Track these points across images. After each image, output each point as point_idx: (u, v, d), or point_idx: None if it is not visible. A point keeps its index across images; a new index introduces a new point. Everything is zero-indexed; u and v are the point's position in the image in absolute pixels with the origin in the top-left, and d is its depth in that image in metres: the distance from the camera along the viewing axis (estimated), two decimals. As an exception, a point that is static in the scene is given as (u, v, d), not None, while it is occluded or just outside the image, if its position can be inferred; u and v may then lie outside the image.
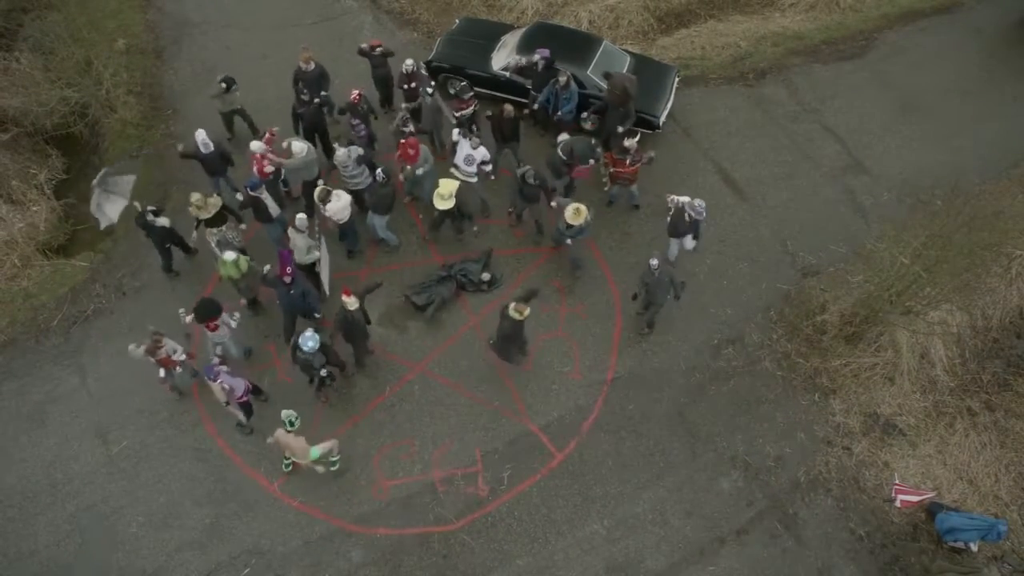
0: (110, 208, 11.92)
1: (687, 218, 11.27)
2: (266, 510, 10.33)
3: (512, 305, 10.26)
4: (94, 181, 11.93)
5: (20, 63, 14.51)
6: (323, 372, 10.35)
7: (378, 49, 13.21)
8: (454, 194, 11.64)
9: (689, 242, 11.75)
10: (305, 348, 9.93)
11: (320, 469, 10.19)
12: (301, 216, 11.15)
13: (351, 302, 10.28)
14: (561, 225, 11.59)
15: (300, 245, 11.16)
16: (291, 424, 9.59)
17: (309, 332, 9.99)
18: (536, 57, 12.92)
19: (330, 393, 11.06)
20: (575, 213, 11.22)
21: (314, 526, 10.21)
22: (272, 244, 12.08)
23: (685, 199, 12.73)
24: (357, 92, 12.33)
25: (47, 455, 10.80)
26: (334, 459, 10.40)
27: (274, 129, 12.21)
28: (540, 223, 12.49)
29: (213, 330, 10.52)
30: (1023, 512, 10.51)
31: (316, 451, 9.86)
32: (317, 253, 11.49)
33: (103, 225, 12.07)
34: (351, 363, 11.27)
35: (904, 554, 10.10)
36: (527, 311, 10.24)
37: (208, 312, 10.34)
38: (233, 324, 10.69)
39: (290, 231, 11.23)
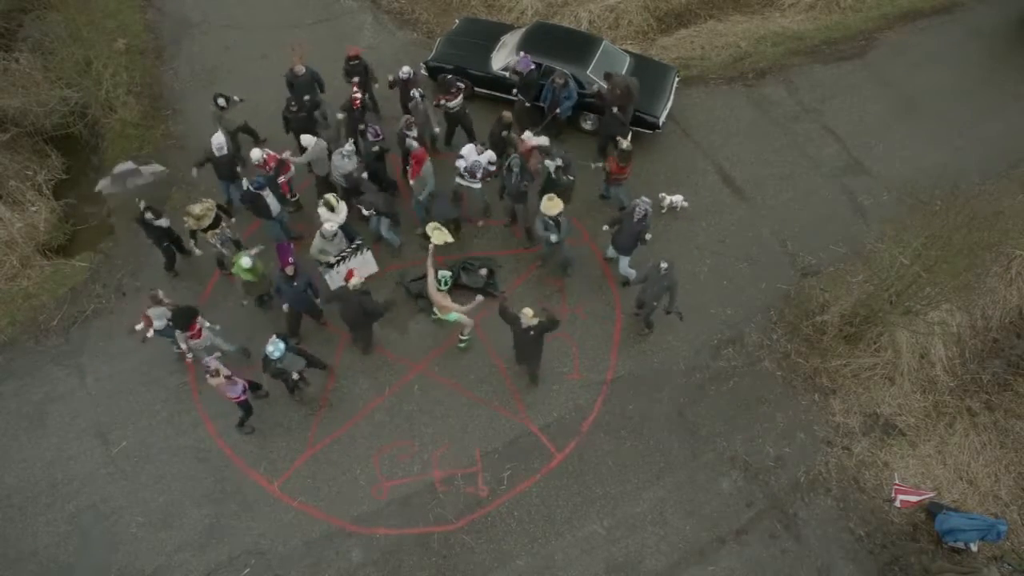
0: (131, 180, 11.86)
1: (635, 219, 11.12)
2: (266, 510, 10.33)
3: (527, 311, 10.15)
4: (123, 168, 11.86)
5: (20, 63, 14.51)
6: (295, 376, 10.34)
7: (356, 60, 13.26)
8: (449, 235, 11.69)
9: (624, 262, 11.74)
10: (273, 356, 9.86)
11: (461, 320, 11.02)
12: (328, 227, 11.12)
13: (357, 281, 10.47)
14: (539, 226, 11.45)
15: (316, 244, 11.27)
16: (444, 283, 10.70)
17: (272, 338, 9.94)
18: (520, 66, 12.96)
19: (305, 396, 11.04)
20: (549, 202, 11.12)
21: (314, 526, 10.21)
22: (271, 241, 12.11)
23: (678, 198, 12.81)
24: (357, 97, 12.38)
25: (47, 455, 10.80)
26: (464, 338, 11.38)
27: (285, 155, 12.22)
28: (530, 229, 12.48)
29: (198, 337, 10.55)
30: (1023, 512, 10.51)
31: (453, 316, 10.89)
32: (330, 259, 11.48)
33: (106, 191, 12.04)
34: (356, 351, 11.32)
35: (904, 554, 10.10)
36: (532, 313, 10.13)
37: (186, 318, 10.35)
38: (217, 327, 10.82)
39: (317, 234, 11.29)
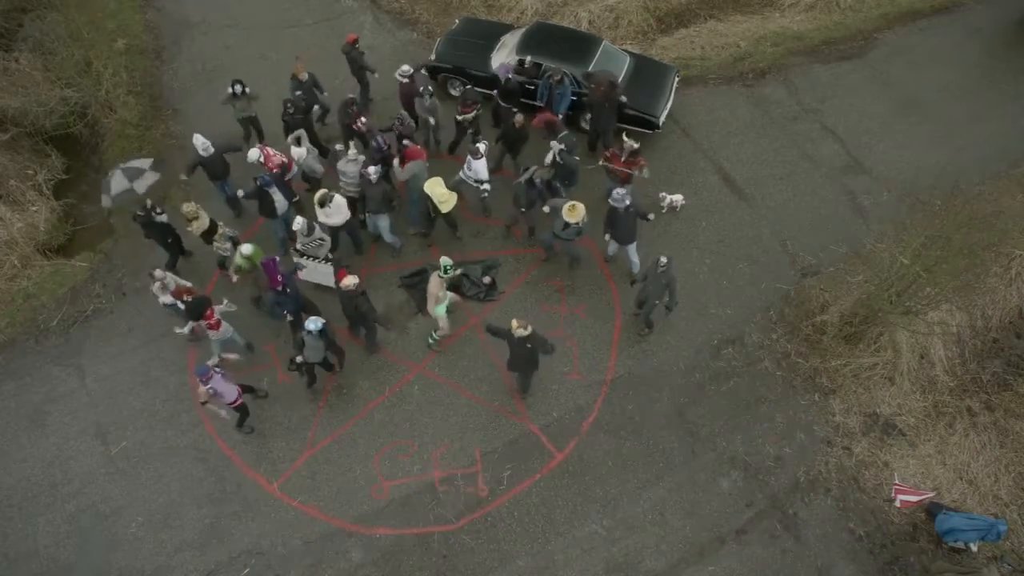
0: (139, 183, 12.18)
1: (621, 211, 11.21)
2: (266, 510, 10.34)
3: (513, 322, 10.03)
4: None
5: (20, 63, 14.53)
6: (298, 359, 10.42)
7: (357, 45, 13.38)
8: (449, 194, 11.66)
9: (632, 250, 11.80)
10: (307, 327, 10.04)
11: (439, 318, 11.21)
12: (299, 220, 11.23)
13: (349, 282, 10.45)
14: (557, 227, 11.56)
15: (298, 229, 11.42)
16: (445, 271, 10.62)
17: (316, 319, 10.17)
18: (500, 73, 13.09)
19: (312, 390, 11.14)
20: (571, 210, 11.19)
21: (314, 526, 10.21)
22: (275, 242, 12.18)
23: (678, 197, 12.82)
24: (362, 120, 12.41)
25: (47, 455, 10.80)
26: (435, 335, 11.44)
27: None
28: (532, 227, 12.50)
29: (216, 327, 10.54)
30: (1023, 512, 10.51)
31: (440, 309, 11.05)
32: (298, 245, 11.60)
33: (110, 203, 12.13)
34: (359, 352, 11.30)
35: (904, 554, 10.10)
36: (529, 327, 10.00)
37: (199, 308, 10.39)
38: (233, 308, 10.87)
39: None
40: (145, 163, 13.23)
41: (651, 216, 11.61)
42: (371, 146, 12.25)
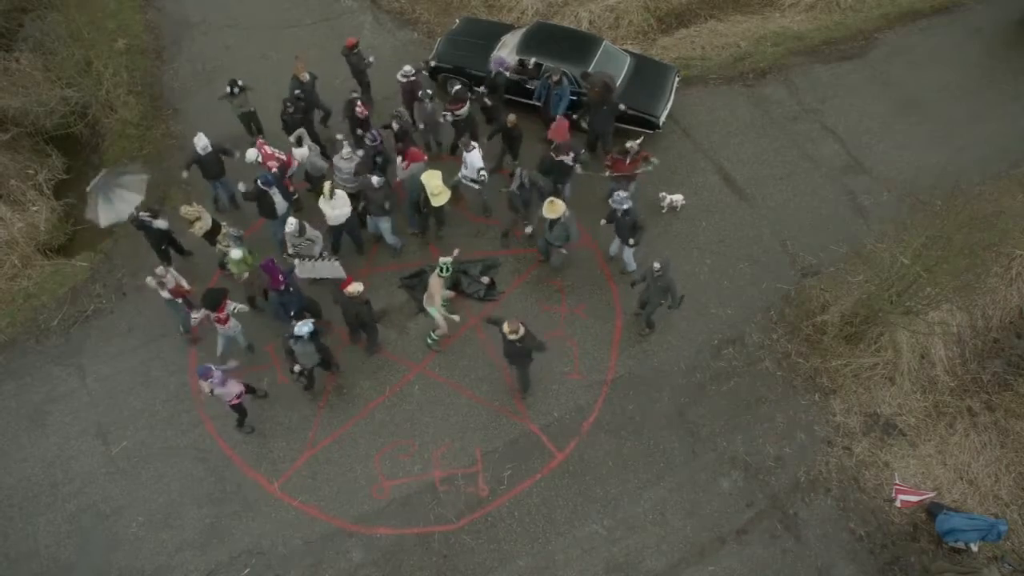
0: (121, 206, 12.10)
1: (619, 214, 11.27)
2: (266, 510, 10.34)
3: (505, 325, 10.00)
4: (94, 182, 12.08)
5: (20, 63, 14.54)
6: (296, 368, 10.41)
7: (356, 49, 13.42)
8: (443, 187, 11.66)
9: (628, 251, 11.78)
10: (297, 332, 9.97)
11: (436, 318, 11.21)
12: (292, 221, 11.25)
13: (354, 288, 10.44)
14: (547, 233, 11.60)
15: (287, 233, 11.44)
16: (444, 270, 10.72)
17: (305, 321, 10.09)
18: (492, 65, 13.15)
19: (313, 390, 11.12)
20: (550, 206, 11.22)
21: (314, 526, 10.21)
22: (274, 243, 12.16)
23: (678, 197, 12.82)
24: (363, 108, 12.43)
25: (47, 455, 10.81)
26: (434, 335, 11.50)
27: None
28: (533, 228, 12.51)
29: (224, 322, 10.56)
30: (1023, 512, 10.51)
31: (433, 311, 11.07)
32: (290, 249, 11.59)
33: (105, 223, 12.14)
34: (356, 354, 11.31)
35: (904, 554, 10.10)
36: (521, 330, 9.97)
37: (216, 298, 10.41)
38: (246, 309, 10.93)
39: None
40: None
41: (632, 242, 11.52)
42: (368, 137, 12.21)
